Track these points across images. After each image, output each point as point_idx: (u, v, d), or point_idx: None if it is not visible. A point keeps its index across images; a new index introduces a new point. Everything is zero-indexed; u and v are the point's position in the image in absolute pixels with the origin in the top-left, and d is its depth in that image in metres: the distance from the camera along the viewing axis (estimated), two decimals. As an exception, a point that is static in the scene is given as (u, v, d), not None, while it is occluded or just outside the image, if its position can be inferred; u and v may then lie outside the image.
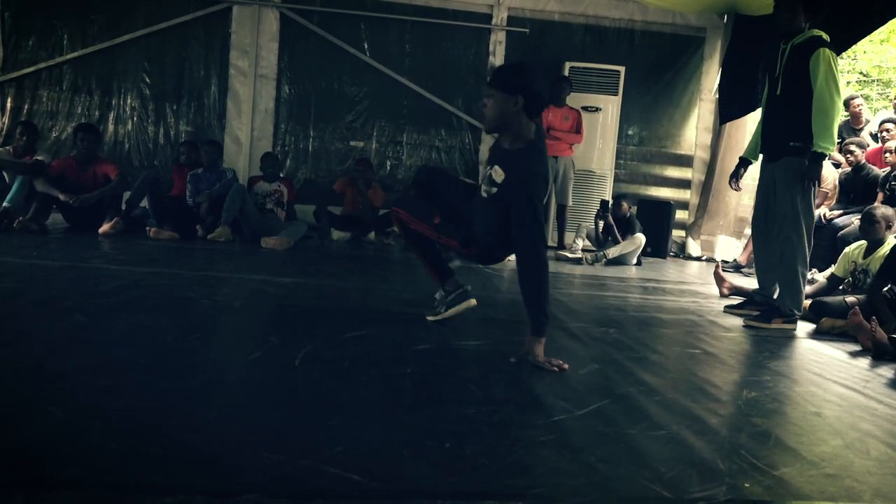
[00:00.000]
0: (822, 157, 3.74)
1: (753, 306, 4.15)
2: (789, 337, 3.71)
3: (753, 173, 4.91)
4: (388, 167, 7.70)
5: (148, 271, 4.04)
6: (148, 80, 7.28)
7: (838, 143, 7.14)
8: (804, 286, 3.94)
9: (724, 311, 4.23)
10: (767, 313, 3.91)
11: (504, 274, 5.25)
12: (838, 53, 3.97)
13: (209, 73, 7.35)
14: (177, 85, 7.34)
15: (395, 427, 1.83)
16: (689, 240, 7.74)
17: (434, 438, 1.76)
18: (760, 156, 4.17)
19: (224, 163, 6.75)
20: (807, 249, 3.89)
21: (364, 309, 3.47)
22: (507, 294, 4.46)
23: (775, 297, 4.05)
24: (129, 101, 7.28)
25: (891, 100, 7.63)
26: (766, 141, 4.05)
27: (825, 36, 3.76)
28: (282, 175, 6.75)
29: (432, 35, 7.54)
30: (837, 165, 6.78)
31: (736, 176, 4.28)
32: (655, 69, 7.77)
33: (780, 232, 3.92)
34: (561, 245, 7.02)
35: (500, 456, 1.69)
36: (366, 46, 7.46)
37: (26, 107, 7.12)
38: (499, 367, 2.58)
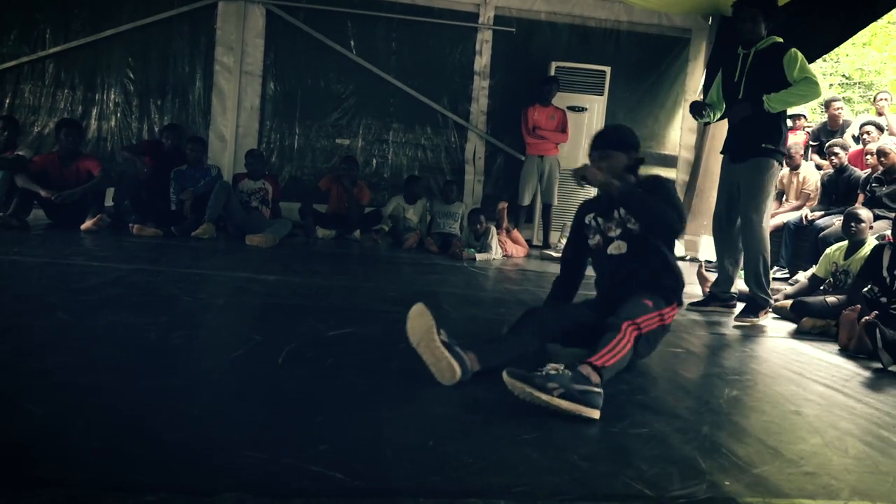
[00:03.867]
0: (760, 106, 3.84)
1: (717, 303, 4.27)
2: (771, 336, 3.75)
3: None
4: (374, 165, 7.68)
5: (131, 268, 4.01)
6: (132, 75, 7.22)
7: (816, 144, 7.25)
8: (770, 278, 4.10)
9: (688, 308, 4.24)
10: (752, 308, 4.01)
11: (489, 273, 5.26)
12: (811, 61, 4.21)
13: (194, 70, 7.30)
14: (161, 81, 7.29)
15: (378, 426, 1.84)
16: (673, 240, 7.77)
17: (417, 437, 1.77)
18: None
19: (209, 160, 6.71)
20: (769, 245, 4.06)
21: (348, 307, 3.46)
22: (492, 293, 4.48)
23: (733, 289, 4.29)
24: (112, 96, 7.21)
25: (871, 102, 7.71)
26: (729, 142, 4.17)
27: (782, 40, 3.94)
28: (267, 172, 6.72)
29: (419, 33, 7.52)
30: (819, 168, 6.86)
31: (698, 112, 4.29)
32: (641, 70, 7.81)
33: (747, 231, 4.05)
34: (546, 244, 7.05)
35: (483, 454, 1.69)
36: (352, 44, 7.43)
37: (7, 101, 7.03)
38: (483, 366, 2.58)
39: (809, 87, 3.79)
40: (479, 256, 5.82)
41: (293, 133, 7.52)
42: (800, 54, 3.84)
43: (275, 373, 2.23)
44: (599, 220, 2.86)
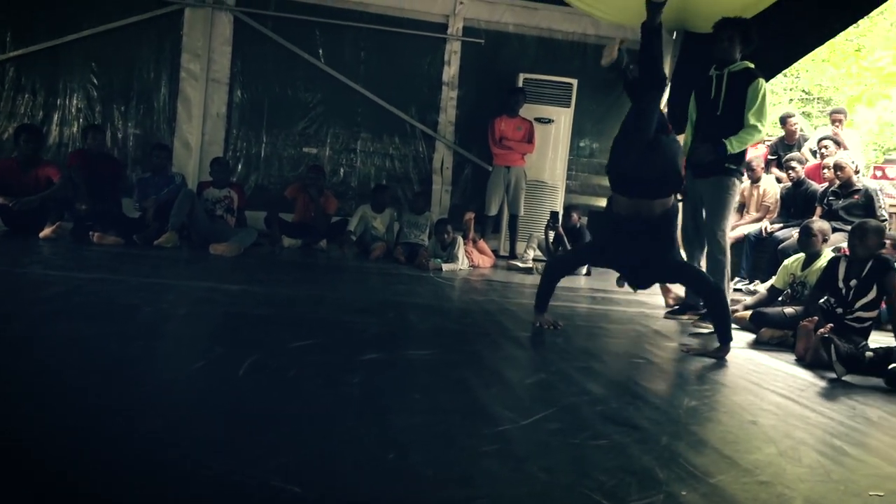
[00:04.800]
0: (724, 150, 4.09)
1: (691, 311, 4.40)
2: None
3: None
4: (342, 174, 7.65)
5: (90, 277, 3.93)
6: (95, 81, 7.10)
7: (774, 158, 7.43)
8: (727, 290, 4.27)
9: (665, 317, 4.48)
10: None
11: (455, 283, 5.28)
12: (771, 77, 4.40)
13: (159, 76, 7.20)
14: (125, 87, 7.17)
15: (339, 438, 1.83)
16: (638, 250, 7.86)
17: (378, 449, 1.76)
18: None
19: (173, 167, 6.63)
20: (729, 259, 4.29)
21: (313, 318, 3.44)
22: (458, 303, 4.49)
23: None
24: (74, 102, 7.08)
25: (829, 120, 7.92)
26: (695, 157, 4.29)
27: (753, 66, 4.19)
28: (232, 181, 6.66)
29: (388, 43, 7.53)
30: (780, 181, 7.01)
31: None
32: (607, 82, 7.88)
33: (711, 246, 4.26)
34: (512, 255, 7.09)
35: (444, 466, 1.69)
36: (320, 53, 7.42)
37: (-35, 106, 6.88)
38: (447, 376, 2.59)
39: (755, 134, 4.16)
40: (445, 266, 5.83)
41: (260, 141, 7.46)
42: (763, 88, 4.10)
43: (235, 384, 2.20)
44: None
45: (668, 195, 3.42)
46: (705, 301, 3.76)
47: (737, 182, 4.28)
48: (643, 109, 3.43)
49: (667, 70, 7.67)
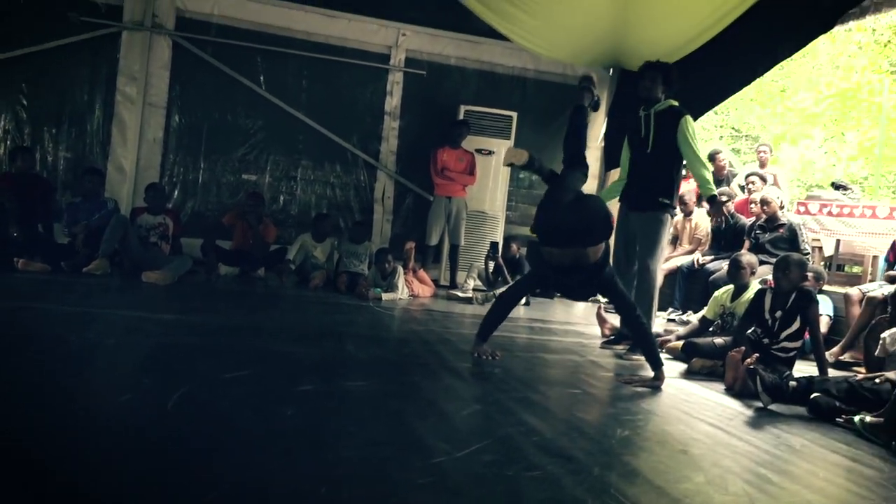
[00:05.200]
0: (715, 198, 4.43)
1: (626, 341, 4.48)
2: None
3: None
4: (282, 202, 7.58)
5: (13, 306, 3.78)
6: (25, 102, 6.87)
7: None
8: (652, 322, 4.47)
9: (601, 347, 4.57)
10: (636, 347, 4.24)
11: (395, 313, 5.26)
12: (701, 114, 4.67)
13: (93, 99, 7.02)
14: (57, 109, 6.95)
15: (269, 472, 1.79)
16: (576, 281, 7.99)
17: (310, 483, 1.73)
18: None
19: (106, 192, 6.44)
20: (658, 293, 4.49)
21: (248, 348, 3.37)
22: (397, 333, 4.47)
23: None
24: (2, 123, 6.83)
25: (755, 153, 8.28)
26: (630, 192, 4.55)
27: (678, 104, 4.41)
28: (168, 207, 6.51)
29: (330, 72, 7.55)
30: (710, 215, 7.26)
31: None
32: (546, 115, 8.08)
33: (642, 277, 4.41)
34: (453, 284, 7.11)
35: (378, 499, 1.68)
36: (262, 79, 7.37)
37: None
38: (383, 408, 2.57)
39: (707, 167, 4.42)
40: (385, 296, 5.81)
41: (198, 167, 7.34)
42: (692, 123, 4.34)
43: (164, 418, 2.14)
44: None
45: (600, 242, 3.42)
46: (628, 327, 3.94)
47: (669, 217, 4.46)
48: (568, 185, 3.72)
49: (603, 104, 7.95)
